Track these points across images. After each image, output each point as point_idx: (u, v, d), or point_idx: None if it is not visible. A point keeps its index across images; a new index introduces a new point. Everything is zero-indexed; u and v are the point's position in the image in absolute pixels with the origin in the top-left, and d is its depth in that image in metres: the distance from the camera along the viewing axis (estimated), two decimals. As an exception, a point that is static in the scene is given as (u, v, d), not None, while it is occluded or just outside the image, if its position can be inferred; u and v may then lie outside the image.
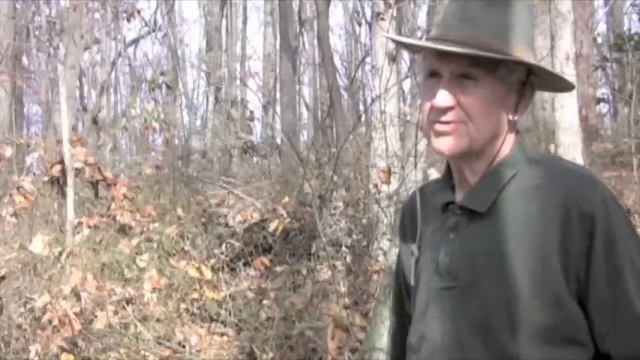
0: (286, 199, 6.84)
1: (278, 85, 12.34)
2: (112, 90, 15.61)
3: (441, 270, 1.44)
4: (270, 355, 5.16)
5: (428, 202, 1.52)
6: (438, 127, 1.40)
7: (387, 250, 4.90)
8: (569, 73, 5.11)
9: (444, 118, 1.39)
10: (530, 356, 1.32)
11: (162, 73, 14.29)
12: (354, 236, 6.27)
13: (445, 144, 1.40)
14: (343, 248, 6.08)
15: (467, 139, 1.39)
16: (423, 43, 1.51)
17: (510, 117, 1.42)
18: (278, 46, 12.57)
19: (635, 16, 15.89)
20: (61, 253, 6.13)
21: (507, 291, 1.34)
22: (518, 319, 1.33)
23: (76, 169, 6.88)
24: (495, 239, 1.38)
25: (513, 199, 1.39)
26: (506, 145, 1.43)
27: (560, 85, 1.54)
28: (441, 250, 1.45)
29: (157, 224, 6.86)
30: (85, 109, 14.92)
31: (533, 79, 1.43)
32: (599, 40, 13.62)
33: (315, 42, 13.32)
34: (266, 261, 6.19)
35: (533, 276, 1.33)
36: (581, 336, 1.33)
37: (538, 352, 1.32)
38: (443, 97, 1.38)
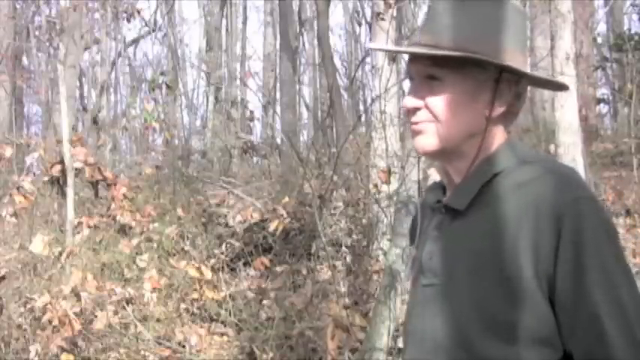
0: (286, 199, 6.84)
1: (278, 85, 12.34)
2: (112, 90, 15.62)
3: (424, 267, 1.48)
4: (270, 355, 5.16)
5: (426, 203, 1.57)
6: (412, 127, 1.46)
7: (387, 250, 4.91)
8: (569, 73, 5.11)
9: (414, 119, 1.45)
10: (501, 356, 1.33)
11: (162, 73, 14.28)
12: (354, 236, 6.27)
13: (418, 143, 1.46)
14: (343, 248, 6.08)
15: (436, 138, 1.43)
16: (389, 48, 1.60)
17: (487, 113, 1.43)
18: (278, 46, 12.58)
19: (635, 16, 15.92)
20: (61, 253, 6.13)
21: (479, 290, 1.36)
22: (489, 318, 1.34)
23: (76, 169, 6.88)
24: (472, 238, 1.40)
25: (496, 198, 1.40)
26: (490, 143, 1.45)
27: (547, 82, 1.58)
28: (426, 248, 1.49)
29: (157, 224, 6.86)
30: (85, 109, 14.93)
31: (508, 76, 1.43)
32: (599, 40, 13.63)
33: (315, 42, 13.32)
34: (266, 261, 6.19)
35: (506, 275, 1.34)
36: (550, 336, 1.34)
37: (509, 352, 1.33)
38: (409, 99, 1.45)
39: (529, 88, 1.52)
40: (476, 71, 1.41)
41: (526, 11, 1.53)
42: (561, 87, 1.57)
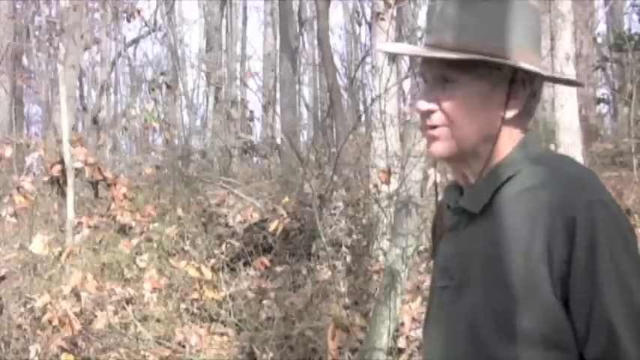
0: (286, 199, 6.84)
1: (278, 85, 12.34)
2: (112, 90, 15.64)
3: (440, 269, 1.48)
4: (270, 355, 5.16)
5: (444, 204, 1.56)
6: (428, 132, 1.43)
7: (387, 250, 4.91)
8: (569, 73, 5.11)
9: (429, 122, 1.42)
10: (513, 358, 1.33)
11: (162, 73, 14.30)
12: (354, 236, 6.27)
13: (435, 149, 1.43)
14: (343, 248, 6.08)
15: (453, 142, 1.41)
16: (393, 49, 1.54)
17: (502, 114, 1.41)
18: (278, 46, 12.58)
19: (635, 16, 15.89)
20: (61, 253, 6.13)
21: (494, 294, 1.35)
22: (504, 322, 1.34)
23: (76, 169, 6.88)
24: (486, 241, 1.39)
25: (507, 201, 1.39)
26: (505, 144, 1.43)
27: (561, 79, 1.57)
28: (442, 249, 1.49)
29: (156, 224, 6.86)
30: (85, 109, 14.93)
31: (523, 76, 1.42)
32: (599, 40, 13.62)
33: (315, 42, 13.33)
34: (266, 261, 6.19)
35: (520, 279, 1.33)
36: (565, 339, 1.33)
37: (523, 355, 1.33)
38: (422, 101, 1.42)
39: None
40: (489, 72, 1.39)
41: (538, 6, 1.49)
42: (572, 82, 1.59)
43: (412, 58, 5.00)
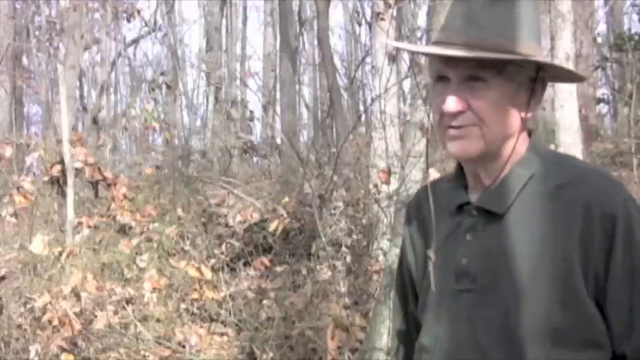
0: (286, 199, 6.84)
1: (278, 85, 12.34)
2: (112, 90, 15.66)
3: (457, 272, 1.43)
4: (270, 355, 5.16)
5: (439, 202, 1.50)
6: (452, 131, 1.39)
7: (387, 250, 4.90)
8: (569, 73, 5.10)
9: (455, 123, 1.38)
10: (549, 358, 1.32)
11: (162, 73, 14.30)
12: (354, 236, 6.26)
13: (460, 147, 1.39)
14: (343, 248, 6.08)
15: (482, 141, 1.38)
16: (428, 49, 1.51)
17: (523, 115, 1.41)
18: (278, 46, 12.59)
19: (635, 16, 15.91)
20: (61, 253, 6.13)
21: (527, 292, 1.34)
22: (538, 320, 1.33)
23: (76, 169, 6.88)
24: (515, 240, 1.37)
25: (534, 200, 1.38)
26: (521, 144, 1.43)
27: (570, 75, 1.58)
28: (458, 252, 1.44)
29: (156, 224, 6.86)
30: (85, 109, 14.93)
31: (543, 75, 1.42)
32: (599, 40, 13.62)
33: (315, 42, 13.34)
34: (266, 261, 6.19)
35: (554, 277, 1.33)
36: (600, 337, 1.33)
37: (557, 354, 1.32)
38: (452, 103, 1.37)
39: None
40: (515, 72, 1.38)
41: (538, 3, 1.53)
42: (581, 78, 1.61)
43: (413, 56, 4.99)
